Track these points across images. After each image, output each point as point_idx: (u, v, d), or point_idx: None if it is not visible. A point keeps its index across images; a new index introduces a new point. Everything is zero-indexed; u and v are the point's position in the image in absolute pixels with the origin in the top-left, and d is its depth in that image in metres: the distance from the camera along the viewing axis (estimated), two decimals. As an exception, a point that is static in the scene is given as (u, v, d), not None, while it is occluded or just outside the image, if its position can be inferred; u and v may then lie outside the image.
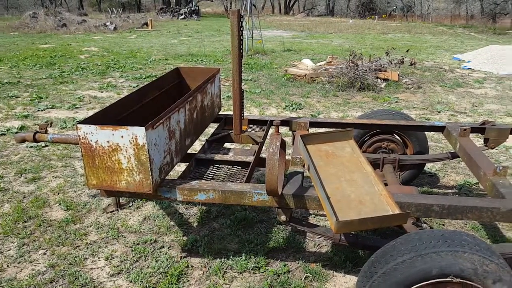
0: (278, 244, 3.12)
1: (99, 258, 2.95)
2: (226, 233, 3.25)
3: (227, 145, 3.50)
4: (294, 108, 6.84)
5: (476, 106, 7.18)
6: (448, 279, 1.75)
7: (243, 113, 3.24)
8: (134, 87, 8.35)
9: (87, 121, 2.25)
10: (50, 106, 6.89)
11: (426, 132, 3.91)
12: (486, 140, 3.34)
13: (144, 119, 2.85)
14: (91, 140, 2.16)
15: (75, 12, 33.00)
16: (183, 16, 31.95)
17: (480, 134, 3.41)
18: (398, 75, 9.09)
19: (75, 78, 9.12)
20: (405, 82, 8.82)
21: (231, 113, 3.30)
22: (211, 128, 4.44)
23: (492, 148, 3.35)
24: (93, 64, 10.88)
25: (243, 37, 2.99)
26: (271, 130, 3.04)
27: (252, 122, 3.58)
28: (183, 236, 3.22)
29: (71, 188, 3.98)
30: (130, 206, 3.64)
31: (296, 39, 18.21)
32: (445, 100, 7.56)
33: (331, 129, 2.95)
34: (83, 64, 10.88)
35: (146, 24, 23.80)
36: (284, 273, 2.79)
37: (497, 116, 6.63)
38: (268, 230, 3.30)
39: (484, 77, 9.74)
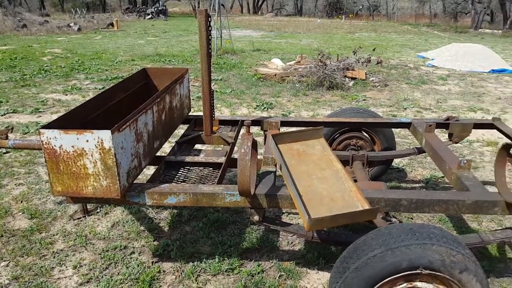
0: (251, 244, 3.12)
1: (66, 267, 2.86)
2: (199, 236, 3.22)
3: (197, 146, 3.47)
4: (265, 107, 6.85)
5: (441, 102, 7.39)
6: (418, 271, 1.79)
7: (213, 114, 3.22)
8: (100, 89, 8.17)
9: (50, 125, 2.18)
10: (11, 111, 6.65)
11: (393, 129, 3.98)
12: (450, 135, 3.44)
13: (111, 122, 2.78)
14: (55, 145, 2.09)
15: (36, 12, 32.02)
16: (150, 16, 31.53)
17: (444, 129, 3.50)
18: (365, 73, 9.25)
19: (38, 81, 8.84)
20: (372, 80, 8.99)
21: (201, 114, 3.27)
22: (181, 130, 4.39)
23: (456, 143, 3.45)
24: (57, 66, 10.58)
25: (211, 37, 2.97)
26: (242, 130, 3.03)
27: (223, 122, 3.55)
28: (154, 241, 3.16)
29: (35, 196, 3.85)
30: (98, 212, 3.55)
31: (265, 38, 18.27)
32: (411, 97, 7.75)
33: (302, 128, 2.97)
34: (46, 66, 10.56)
35: (112, 24, 23.33)
36: (258, 273, 2.78)
37: (461, 111, 6.84)
38: (242, 231, 3.29)
39: (447, 74, 10.03)
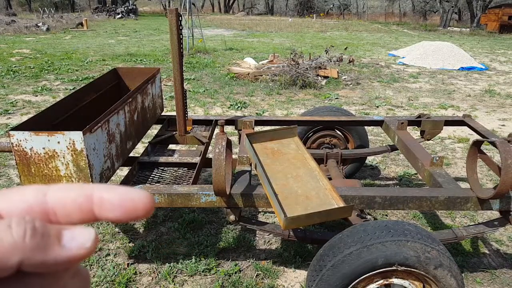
0: (228, 244, 3.10)
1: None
2: (175, 236, 3.18)
3: (171, 146, 3.42)
4: (239, 107, 6.83)
5: (412, 100, 7.54)
6: (394, 267, 1.81)
7: (187, 114, 3.18)
8: (70, 89, 7.98)
9: (20, 127, 2.12)
10: (-22, 113, 6.43)
11: (366, 127, 4.03)
12: (422, 132, 3.50)
13: (82, 123, 2.72)
14: (25, 147, 2.03)
15: (3, 12, 31.08)
16: (120, 16, 31.01)
17: (416, 127, 3.57)
18: (338, 72, 9.35)
19: (6, 82, 8.56)
20: (344, 79, 9.09)
21: (174, 113, 3.23)
22: (154, 130, 4.34)
23: (428, 140, 3.51)
24: (26, 67, 10.27)
25: (183, 36, 2.93)
26: (217, 130, 3.01)
27: (197, 122, 3.52)
28: (129, 242, 3.11)
29: (4, 199, 3.72)
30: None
31: (238, 37, 18.24)
32: (383, 95, 7.87)
33: (276, 127, 2.97)
34: (15, 67, 10.23)
35: (81, 24, 22.81)
36: (236, 272, 2.77)
37: (432, 108, 6.99)
38: (218, 231, 3.27)
39: (418, 72, 10.25)
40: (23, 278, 0.27)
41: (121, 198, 0.30)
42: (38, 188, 0.30)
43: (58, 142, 2.02)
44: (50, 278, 0.28)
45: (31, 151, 2.04)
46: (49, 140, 2.01)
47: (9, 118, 6.24)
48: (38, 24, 21.27)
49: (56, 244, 0.27)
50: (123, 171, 4.09)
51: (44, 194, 0.30)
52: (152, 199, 0.31)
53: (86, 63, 10.95)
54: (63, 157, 2.05)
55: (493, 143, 2.28)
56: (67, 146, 2.02)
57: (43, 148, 2.03)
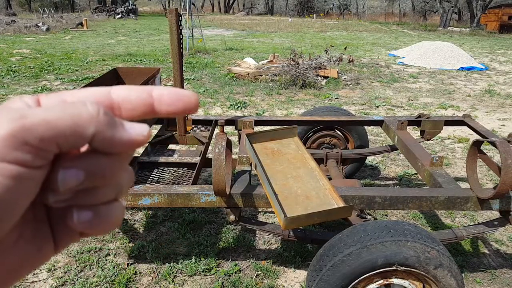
0: (228, 244, 3.10)
1: (40, 270, 2.78)
2: (174, 236, 3.18)
3: (171, 146, 3.43)
4: (239, 107, 6.84)
5: (412, 100, 7.54)
6: (394, 268, 1.81)
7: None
8: (70, 90, 7.98)
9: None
10: (-22, 113, 6.42)
11: (366, 127, 4.04)
12: (422, 132, 3.50)
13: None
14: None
15: (3, 12, 31.09)
16: (120, 16, 31.01)
17: (416, 127, 3.57)
18: (338, 72, 9.36)
19: (6, 82, 8.56)
20: (344, 79, 9.09)
21: (174, 114, 3.22)
22: (154, 130, 4.34)
23: (428, 140, 3.51)
24: (26, 67, 10.27)
25: (182, 36, 2.93)
26: (217, 130, 3.01)
27: (197, 122, 3.52)
28: (129, 242, 3.11)
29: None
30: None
31: (238, 37, 18.25)
32: (383, 95, 7.87)
33: (276, 127, 2.97)
34: (15, 67, 10.23)
35: (81, 24, 22.82)
36: (235, 272, 2.77)
37: (432, 108, 6.99)
38: (218, 231, 3.27)
39: (418, 72, 10.25)
40: (93, 154, 0.31)
41: (177, 94, 0.34)
42: (102, 87, 0.34)
43: (58, 142, 2.01)
44: (114, 159, 0.32)
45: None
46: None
47: (9, 118, 6.23)
48: (38, 24, 21.27)
49: (121, 126, 0.31)
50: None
51: (109, 91, 0.34)
52: (197, 97, 0.36)
53: (86, 63, 10.96)
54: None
55: (493, 143, 2.28)
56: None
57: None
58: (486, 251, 3.09)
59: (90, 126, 0.29)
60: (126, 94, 0.34)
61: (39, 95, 0.33)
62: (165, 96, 0.34)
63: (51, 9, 29.53)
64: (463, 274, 2.79)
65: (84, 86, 3.02)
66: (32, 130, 0.27)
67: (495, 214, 2.88)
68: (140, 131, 0.32)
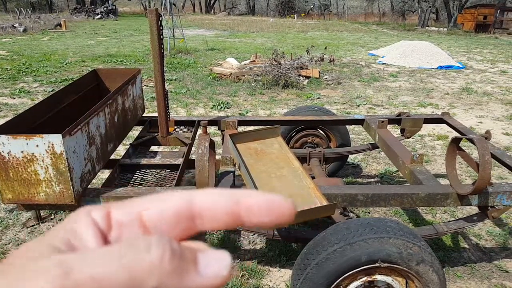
0: (212, 245, 3.08)
1: None
2: (158, 238, 3.15)
3: (153, 148, 3.40)
4: (222, 107, 6.82)
5: (392, 99, 7.63)
6: (377, 264, 1.83)
7: (169, 114, 3.16)
8: (49, 91, 7.85)
9: (-3, 130, 2.07)
10: (-47, 116, 6.27)
11: (347, 126, 4.07)
12: (402, 130, 3.55)
13: (61, 126, 2.67)
14: (3, 151, 1.98)
15: (-23, 13, 30.36)
16: (99, 16, 30.62)
17: (396, 125, 3.62)
18: (319, 72, 9.41)
19: (-19, 85, 8.38)
20: (326, 78, 9.16)
21: (156, 114, 3.21)
22: (135, 132, 4.30)
23: (408, 138, 3.57)
24: (2, 68, 10.05)
25: (163, 36, 2.91)
26: (199, 131, 3.00)
27: (179, 123, 3.50)
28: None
29: (-18, 205, 3.64)
30: (52, 219, 3.41)
31: (219, 38, 18.20)
32: (363, 94, 7.95)
33: (260, 127, 2.97)
34: (-10, 69, 10.03)
35: (60, 25, 22.45)
36: (220, 273, 2.76)
37: (411, 107, 7.09)
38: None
39: (398, 71, 10.38)
40: None
41: (268, 203, 0.30)
42: (185, 192, 0.30)
43: (37, 146, 1.98)
44: None
45: (8, 155, 2.00)
46: (27, 144, 1.97)
47: (-14, 121, 6.10)
48: (15, 25, 20.84)
49: (192, 270, 0.26)
50: (105, 174, 4.04)
51: (191, 199, 0.29)
52: (294, 205, 0.30)
53: (65, 64, 10.78)
54: (42, 161, 2.01)
55: (471, 140, 2.32)
56: (46, 150, 1.98)
57: (22, 152, 1.99)
58: (466, 246, 3.15)
59: (151, 279, 0.24)
60: (211, 202, 0.29)
61: (110, 207, 0.29)
62: (255, 206, 0.29)
63: (28, 9, 28.97)
64: (444, 269, 2.84)
65: (64, 88, 2.96)
66: None
67: (474, 210, 2.93)
68: (218, 270, 0.26)
